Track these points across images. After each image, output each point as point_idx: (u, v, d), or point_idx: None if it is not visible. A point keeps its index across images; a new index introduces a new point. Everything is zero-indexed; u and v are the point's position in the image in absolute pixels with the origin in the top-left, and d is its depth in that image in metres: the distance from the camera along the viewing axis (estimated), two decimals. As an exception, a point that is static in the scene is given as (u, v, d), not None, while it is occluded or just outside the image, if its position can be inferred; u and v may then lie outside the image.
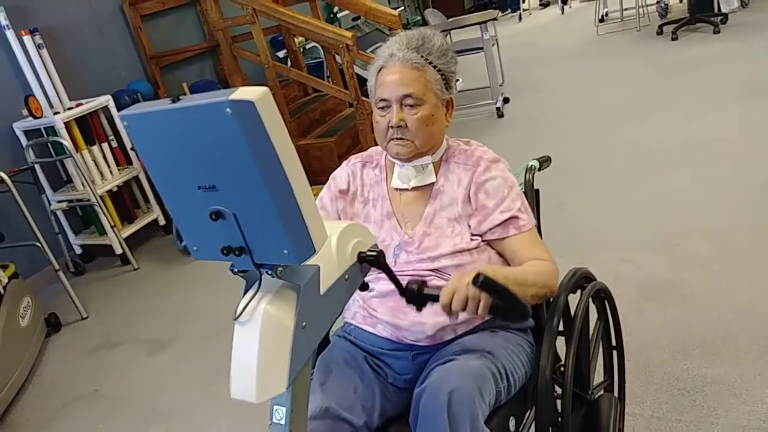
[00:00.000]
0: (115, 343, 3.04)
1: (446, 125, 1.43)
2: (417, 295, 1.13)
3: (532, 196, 1.48)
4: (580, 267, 1.51)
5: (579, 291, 1.47)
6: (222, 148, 0.83)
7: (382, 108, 1.38)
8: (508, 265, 1.40)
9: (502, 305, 1.12)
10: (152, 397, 2.54)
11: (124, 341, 3.04)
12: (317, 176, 4.15)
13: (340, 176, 1.53)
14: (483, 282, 1.09)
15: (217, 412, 2.33)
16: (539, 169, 1.51)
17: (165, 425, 2.36)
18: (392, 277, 1.12)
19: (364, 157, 1.54)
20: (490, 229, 1.38)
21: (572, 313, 1.42)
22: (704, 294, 2.33)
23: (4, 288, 2.87)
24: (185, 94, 0.92)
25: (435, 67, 1.37)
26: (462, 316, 1.33)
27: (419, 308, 1.16)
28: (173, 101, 0.84)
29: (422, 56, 1.36)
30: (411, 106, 1.35)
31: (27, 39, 3.58)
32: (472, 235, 1.39)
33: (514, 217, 1.37)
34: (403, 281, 1.38)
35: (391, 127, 1.37)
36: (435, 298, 1.13)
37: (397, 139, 1.38)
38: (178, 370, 2.70)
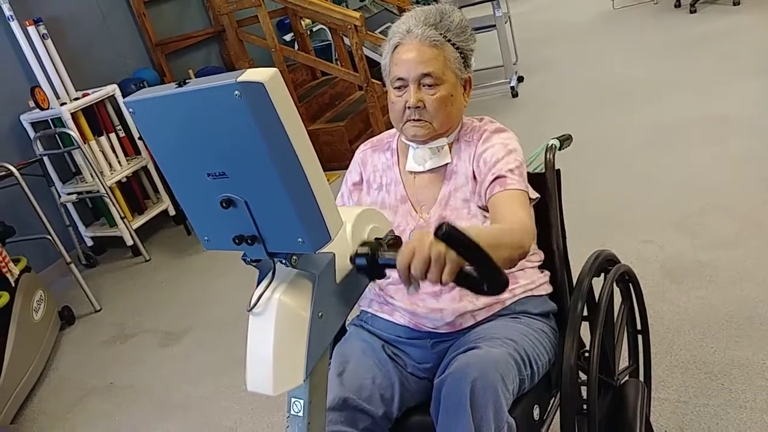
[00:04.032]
0: (129, 335, 3.03)
1: (464, 105, 1.39)
2: (369, 264, 0.92)
3: (553, 177, 1.42)
4: (604, 249, 1.47)
5: (603, 274, 1.43)
6: (231, 133, 0.81)
7: (399, 88, 1.34)
8: None
9: (471, 271, 0.89)
10: (167, 389, 2.54)
11: (137, 333, 3.03)
12: (328, 162, 4.12)
13: (352, 169, 1.50)
14: (447, 233, 0.84)
15: (234, 403, 2.32)
16: (560, 149, 1.45)
17: (181, 416, 2.35)
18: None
19: (374, 142, 1.50)
20: (483, 194, 1.31)
21: (596, 297, 1.38)
22: (729, 274, 2.27)
23: (17, 282, 2.85)
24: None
25: (454, 44, 1.32)
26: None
27: (372, 279, 0.97)
28: (179, 85, 0.82)
29: (441, 33, 1.31)
30: (429, 86, 1.31)
31: (31, 29, 3.55)
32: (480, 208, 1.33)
33: (501, 176, 1.29)
34: None
35: (409, 107, 1.32)
36: (392, 264, 0.92)
37: (414, 120, 1.33)
38: (193, 361, 2.69)
